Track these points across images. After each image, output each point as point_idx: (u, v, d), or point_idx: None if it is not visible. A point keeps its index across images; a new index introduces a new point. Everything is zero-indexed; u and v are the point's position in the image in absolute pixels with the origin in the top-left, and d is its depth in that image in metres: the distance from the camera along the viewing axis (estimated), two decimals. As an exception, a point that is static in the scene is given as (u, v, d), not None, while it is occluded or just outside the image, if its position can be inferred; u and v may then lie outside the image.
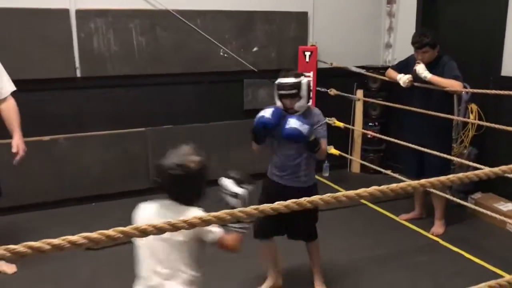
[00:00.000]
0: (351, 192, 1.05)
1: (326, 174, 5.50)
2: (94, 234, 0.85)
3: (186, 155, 2.03)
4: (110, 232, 0.85)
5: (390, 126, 5.48)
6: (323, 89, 5.17)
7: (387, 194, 1.08)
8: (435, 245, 3.79)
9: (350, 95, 5.29)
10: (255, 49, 5.06)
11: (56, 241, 0.84)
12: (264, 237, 3.02)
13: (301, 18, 5.23)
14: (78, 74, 4.39)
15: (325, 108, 5.21)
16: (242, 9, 4.95)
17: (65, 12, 4.24)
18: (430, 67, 3.72)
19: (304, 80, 2.75)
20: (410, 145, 3.89)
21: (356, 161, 5.58)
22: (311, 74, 5.17)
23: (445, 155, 3.66)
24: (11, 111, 3.30)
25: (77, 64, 4.36)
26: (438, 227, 3.98)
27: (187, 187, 1.99)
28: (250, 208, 0.95)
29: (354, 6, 5.48)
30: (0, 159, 3.62)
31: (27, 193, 4.27)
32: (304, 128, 2.60)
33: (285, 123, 2.62)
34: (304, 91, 2.71)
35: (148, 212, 2.04)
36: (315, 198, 1.01)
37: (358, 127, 5.52)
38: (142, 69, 4.61)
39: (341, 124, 5.09)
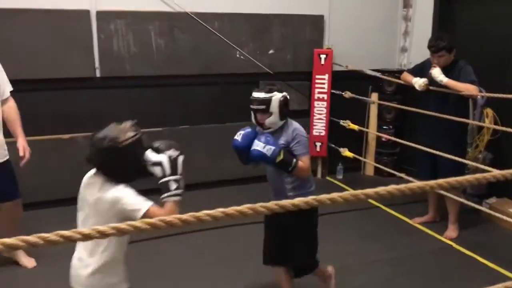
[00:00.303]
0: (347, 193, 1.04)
1: (340, 177, 5.53)
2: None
3: (121, 129, 1.98)
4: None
5: (405, 129, 5.48)
6: (338, 92, 5.21)
7: (385, 196, 1.07)
8: (448, 249, 3.80)
9: (365, 98, 5.32)
10: (271, 51, 5.11)
11: (87, 231, 0.89)
12: (267, 264, 2.88)
13: (317, 21, 5.27)
14: (98, 74, 4.49)
15: (340, 110, 5.30)
16: (259, 12, 5.01)
17: (86, 13, 4.34)
18: (446, 71, 3.73)
19: (276, 96, 2.60)
20: (424, 148, 3.90)
21: (370, 163, 5.60)
22: (326, 76, 5.21)
23: (459, 159, 3.67)
24: (13, 113, 3.28)
25: (97, 64, 4.46)
26: (452, 231, 3.98)
27: (113, 162, 1.95)
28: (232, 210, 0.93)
29: (370, 10, 5.50)
30: (18, 156, 3.70)
31: (46, 189, 4.36)
32: (268, 149, 2.49)
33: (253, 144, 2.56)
34: (274, 108, 2.58)
35: (84, 180, 2.11)
36: (310, 199, 1.00)
37: (372, 130, 5.53)
38: (160, 70, 4.69)
39: (355, 127, 5.11)
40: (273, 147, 2.50)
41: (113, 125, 2.02)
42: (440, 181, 1.20)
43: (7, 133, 3.30)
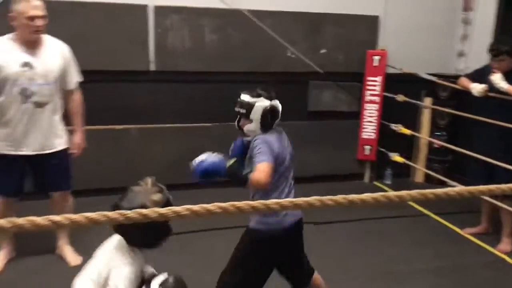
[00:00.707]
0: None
1: (388, 182, 5.41)
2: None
3: (145, 194, 1.82)
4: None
5: (458, 137, 5.29)
6: (390, 95, 5.09)
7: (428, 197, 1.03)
8: (500, 262, 3.64)
9: (418, 102, 5.17)
10: (322, 51, 5.06)
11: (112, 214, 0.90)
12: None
13: (371, 22, 5.18)
14: (152, 68, 4.59)
15: (391, 114, 5.18)
16: (312, 11, 4.97)
17: (144, 7, 4.45)
18: (507, 77, 3.57)
19: (260, 102, 2.37)
20: (479, 156, 3.75)
21: (420, 170, 5.44)
22: (378, 78, 5.11)
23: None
24: (77, 106, 3.33)
25: (152, 58, 4.56)
26: (506, 244, 3.81)
27: (143, 232, 1.78)
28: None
29: (428, 12, 5.34)
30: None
31: (97, 177, 4.49)
32: (209, 162, 2.22)
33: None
34: (255, 114, 2.35)
35: (102, 250, 1.92)
36: (339, 197, 0.94)
37: (424, 135, 5.38)
38: (212, 66, 4.74)
39: (407, 131, 4.98)
40: (217, 160, 2.24)
41: (135, 190, 1.84)
42: (492, 186, 1.14)
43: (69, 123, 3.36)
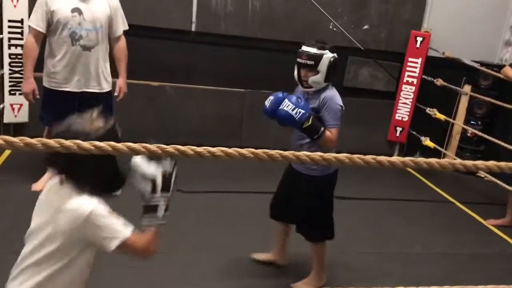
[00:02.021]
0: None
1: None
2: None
3: (86, 120, 1.57)
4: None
5: (494, 128, 5.17)
6: (429, 78, 5.01)
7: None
8: (521, 255, 3.63)
9: (457, 88, 5.06)
10: (365, 27, 4.99)
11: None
12: (272, 217, 2.89)
13: (419, 1, 5.06)
14: (193, 29, 4.63)
15: (428, 98, 5.11)
16: (360, -15, 4.89)
17: (191, -33, 4.46)
18: None
19: (327, 54, 2.47)
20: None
21: (450, 157, 5.37)
22: (419, 60, 5.02)
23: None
24: (121, 52, 3.58)
25: (194, 18, 4.59)
26: (530, 239, 3.78)
27: (81, 165, 1.45)
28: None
29: (478, -4, 5.18)
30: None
31: (129, 132, 4.60)
32: (296, 111, 2.34)
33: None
34: (323, 66, 2.44)
35: (42, 194, 1.64)
36: (355, 156, 0.97)
37: (459, 122, 5.28)
38: (253, 32, 4.74)
39: (442, 117, 4.92)
40: (303, 111, 2.35)
41: (76, 117, 1.59)
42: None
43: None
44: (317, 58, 2.46)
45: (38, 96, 3.46)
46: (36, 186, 3.53)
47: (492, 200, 4.50)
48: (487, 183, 4.54)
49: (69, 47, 3.32)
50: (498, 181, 3.96)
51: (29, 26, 3.37)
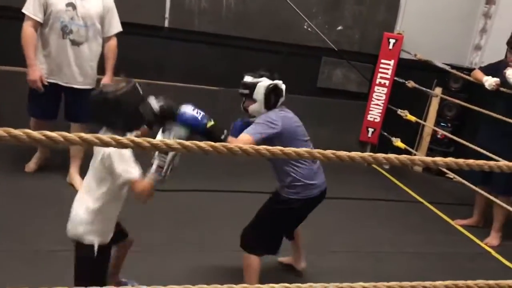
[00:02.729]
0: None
1: (387, 167, 5.42)
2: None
3: (114, 84, 2.09)
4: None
5: (463, 130, 5.28)
6: (401, 80, 5.07)
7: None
8: (486, 255, 3.69)
9: (428, 90, 5.13)
10: (339, 28, 5.02)
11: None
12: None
13: (392, 4, 5.13)
14: (166, 24, 4.57)
15: (399, 99, 5.16)
16: (334, -14, 4.91)
17: (164, -38, 4.40)
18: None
19: (262, 82, 2.42)
20: (481, 150, 3.76)
21: (420, 159, 5.45)
22: (391, 62, 5.08)
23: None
24: (110, 52, 3.65)
25: (167, 14, 4.54)
26: (494, 238, 3.85)
27: (112, 113, 1.94)
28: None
29: (450, 1, 5.27)
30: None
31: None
32: (198, 112, 2.20)
33: None
34: (258, 94, 2.41)
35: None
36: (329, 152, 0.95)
37: (430, 124, 5.37)
38: (226, 29, 4.71)
39: (412, 118, 4.97)
40: (203, 113, 2.22)
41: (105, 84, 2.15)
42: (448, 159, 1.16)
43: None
44: (251, 87, 2.44)
45: (46, 83, 3.45)
46: (29, 167, 3.82)
47: (460, 201, 4.59)
48: (455, 184, 4.61)
49: (59, 40, 3.40)
50: (466, 182, 4.02)
51: (25, 15, 3.36)
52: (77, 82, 3.54)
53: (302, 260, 2.96)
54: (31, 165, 3.85)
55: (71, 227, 2.04)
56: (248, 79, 2.48)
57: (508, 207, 3.73)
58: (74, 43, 3.44)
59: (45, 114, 3.64)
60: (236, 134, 2.42)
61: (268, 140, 2.32)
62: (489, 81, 3.70)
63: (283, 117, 2.44)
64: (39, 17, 3.34)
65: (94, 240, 2.00)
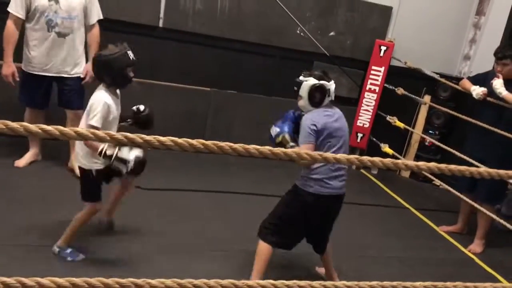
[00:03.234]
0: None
1: (375, 172, 5.49)
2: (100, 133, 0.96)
3: (111, 49, 2.68)
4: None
5: (451, 138, 5.36)
6: (390, 87, 5.14)
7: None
8: (469, 261, 3.76)
9: (417, 98, 5.21)
10: (332, 33, 5.08)
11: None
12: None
13: (384, 12, 5.19)
14: (161, 24, 4.60)
15: (389, 106, 5.24)
16: (328, -8, 4.97)
17: (160, -37, 4.43)
18: (509, 84, 3.62)
19: (309, 81, 2.64)
20: (467, 159, 3.83)
21: (407, 165, 5.52)
22: (382, 69, 5.15)
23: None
24: (94, 39, 3.79)
25: (162, 14, 4.56)
26: (477, 245, 3.92)
27: (99, 72, 2.71)
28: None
29: (441, 11, 5.36)
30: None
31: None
32: (273, 130, 2.76)
33: None
34: (303, 92, 2.65)
35: None
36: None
37: (418, 131, 5.44)
38: (220, 31, 4.75)
39: (401, 125, 5.04)
40: (278, 129, 2.74)
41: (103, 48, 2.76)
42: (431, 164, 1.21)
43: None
44: (298, 85, 2.68)
45: (18, 79, 3.63)
46: (18, 163, 3.88)
47: (446, 207, 4.66)
48: (441, 191, 4.69)
49: (44, 34, 3.54)
50: (452, 189, 4.09)
51: (9, 12, 3.50)
52: (67, 72, 3.71)
53: (329, 270, 3.05)
54: (21, 162, 3.91)
55: (78, 160, 2.79)
56: (299, 78, 2.71)
57: (492, 215, 3.80)
58: (60, 35, 3.59)
59: (36, 103, 3.82)
60: (286, 122, 2.78)
61: (317, 140, 2.62)
62: (477, 91, 3.77)
63: (325, 116, 2.65)
64: (21, 14, 3.49)
65: (91, 165, 2.71)
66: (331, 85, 2.68)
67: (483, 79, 3.88)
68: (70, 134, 0.93)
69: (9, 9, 3.50)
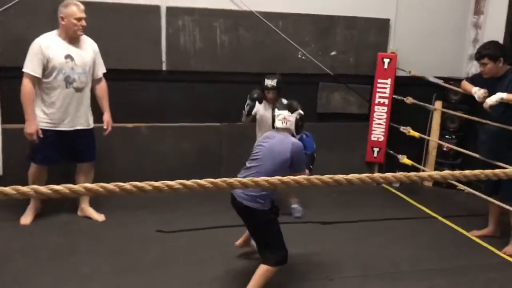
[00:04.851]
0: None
1: (396, 185, 5.40)
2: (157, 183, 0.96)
3: None
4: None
5: (468, 140, 5.27)
6: (399, 97, 5.10)
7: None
8: (506, 264, 3.62)
9: (426, 105, 5.16)
10: (333, 53, 5.10)
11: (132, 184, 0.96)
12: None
13: (382, 25, 5.21)
14: (164, 68, 4.67)
15: (401, 116, 5.20)
16: (324, 13, 5.01)
17: (157, 8, 4.53)
18: (493, 82, 3.62)
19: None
20: (486, 159, 3.76)
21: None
22: (388, 81, 5.13)
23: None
24: (103, 91, 3.96)
25: (164, 58, 4.64)
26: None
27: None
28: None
29: (439, 16, 5.36)
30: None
31: (108, 175, 4.51)
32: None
33: None
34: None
35: None
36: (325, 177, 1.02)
37: (434, 138, 5.37)
38: (223, 66, 4.80)
39: (416, 134, 4.99)
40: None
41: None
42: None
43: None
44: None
45: (41, 136, 3.65)
46: (25, 220, 3.88)
47: (474, 212, 4.54)
48: (467, 195, 4.58)
49: (63, 90, 3.66)
50: (478, 193, 3.99)
51: (25, 73, 3.59)
52: (82, 124, 3.83)
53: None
54: (27, 219, 3.90)
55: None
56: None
57: None
58: (78, 90, 3.73)
59: (49, 160, 3.84)
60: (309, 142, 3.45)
61: None
62: (478, 93, 3.72)
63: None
64: (38, 73, 3.58)
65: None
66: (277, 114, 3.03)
67: (481, 78, 3.82)
68: (81, 191, 0.93)
69: (25, 69, 3.56)
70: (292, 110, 3.01)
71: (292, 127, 2.99)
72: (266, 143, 2.91)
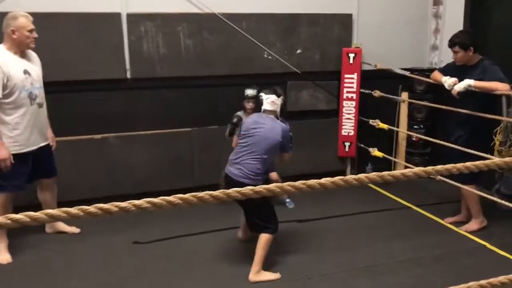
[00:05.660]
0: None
1: (370, 177, 5.45)
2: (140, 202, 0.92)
3: None
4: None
5: (436, 129, 5.38)
6: (367, 91, 5.16)
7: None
8: (481, 248, 3.70)
9: (394, 97, 5.24)
10: (298, 51, 5.11)
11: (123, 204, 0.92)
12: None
13: (345, 20, 5.24)
14: (128, 76, 4.57)
15: (369, 110, 5.25)
16: (286, 12, 5.01)
17: (117, 16, 4.44)
18: (465, 70, 3.72)
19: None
20: (455, 146, 3.84)
21: (400, 164, 5.50)
22: (355, 75, 5.17)
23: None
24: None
25: (128, 66, 4.55)
26: (473, 224, 3.97)
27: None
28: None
29: (400, 8, 5.43)
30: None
31: (78, 188, 4.43)
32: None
33: None
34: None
35: None
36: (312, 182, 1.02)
37: (402, 129, 5.45)
38: (189, 71, 4.74)
39: (385, 126, 5.05)
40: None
41: None
42: (438, 167, 1.21)
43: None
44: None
45: (13, 161, 3.37)
46: (2, 259, 3.51)
47: (446, 199, 4.63)
48: (438, 183, 4.65)
49: (28, 108, 3.45)
50: (449, 180, 4.06)
51: None
52: (44, 140, 3.69)
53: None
54: (6, 255, 3.54)
55: None
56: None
57: (474, 191, 3.88)
58: (40, 105, 3.58)
59: (21, 185, 3.55)
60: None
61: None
62: (448, 82, 3.79)
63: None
64: (2, 94, 3.30)
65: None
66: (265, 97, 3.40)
67: (452, 68, 3.92)
68: (43, 219, 0.89)
69: None
70: (277, 94, 3.43)
71: (278, 109, 3.41)
72: (259, 129, 3.30)
